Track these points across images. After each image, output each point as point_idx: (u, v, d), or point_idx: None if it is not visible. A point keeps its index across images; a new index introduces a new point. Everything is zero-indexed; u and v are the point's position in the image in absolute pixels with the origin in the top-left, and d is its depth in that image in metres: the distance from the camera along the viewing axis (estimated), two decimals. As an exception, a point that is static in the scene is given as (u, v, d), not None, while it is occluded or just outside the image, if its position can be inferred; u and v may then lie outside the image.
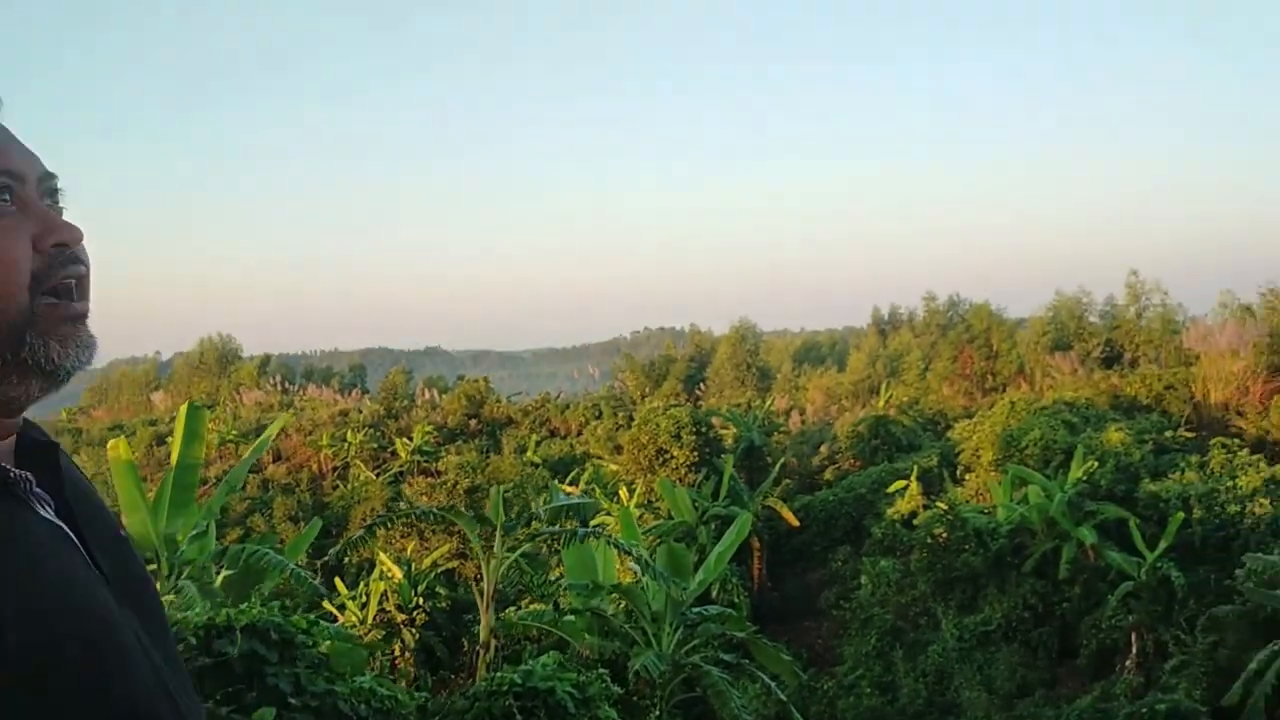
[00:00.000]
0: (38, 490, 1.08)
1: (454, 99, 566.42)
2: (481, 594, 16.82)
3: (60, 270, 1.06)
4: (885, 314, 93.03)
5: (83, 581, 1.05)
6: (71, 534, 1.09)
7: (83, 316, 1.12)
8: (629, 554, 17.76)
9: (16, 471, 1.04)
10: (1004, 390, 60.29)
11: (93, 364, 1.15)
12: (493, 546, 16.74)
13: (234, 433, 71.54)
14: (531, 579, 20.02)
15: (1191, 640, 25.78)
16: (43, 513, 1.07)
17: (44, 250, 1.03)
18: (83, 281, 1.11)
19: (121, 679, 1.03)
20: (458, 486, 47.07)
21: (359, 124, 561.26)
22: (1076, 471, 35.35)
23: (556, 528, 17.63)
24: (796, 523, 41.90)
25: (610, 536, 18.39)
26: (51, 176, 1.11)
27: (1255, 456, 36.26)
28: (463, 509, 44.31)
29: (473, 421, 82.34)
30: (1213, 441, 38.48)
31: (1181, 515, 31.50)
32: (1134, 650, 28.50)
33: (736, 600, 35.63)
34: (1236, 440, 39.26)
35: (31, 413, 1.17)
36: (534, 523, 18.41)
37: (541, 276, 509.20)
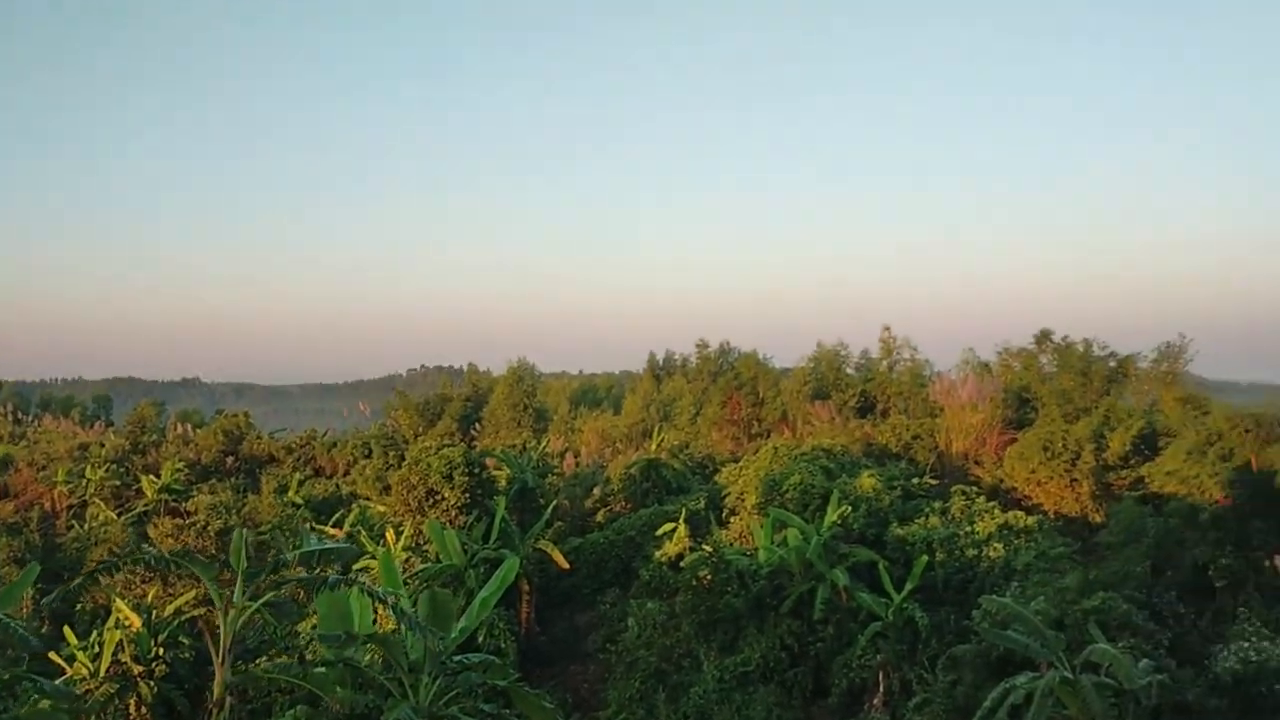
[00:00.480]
0: None
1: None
2: (218, 646, 15.56)
3: None
4: (660, 359, 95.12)
5: None
6: None
7: None
8: (384, 602, 16.95)
9: None
10: (768, 436, 62.64)
11: None
12: (232, 595, 15.55)
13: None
14: (274, 630, 18.76)
15: (933, 678, 27.23)
16: None
17: None
18: None
19: None
20: (209, 528, 44.03)
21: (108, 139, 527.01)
22: (832, 515, 36.96)
23: (306, 575, 16.60)
24: (567, 565, 41.69)
25: (365, 584, 17.50)
26: None
27: (990, 504, 39.04)
28: (214, 552, 41.68)
29: (230, 459, 78.02)
30: (954, 489, 41.20)
31: (925, 559, 33.46)
32: (881, 689, 29.83)
33: (503, 645, 34.97)
34: (975, 488, 42.20)
35: None
36: (283, 569, 17.28)
37: (315, 309, 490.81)
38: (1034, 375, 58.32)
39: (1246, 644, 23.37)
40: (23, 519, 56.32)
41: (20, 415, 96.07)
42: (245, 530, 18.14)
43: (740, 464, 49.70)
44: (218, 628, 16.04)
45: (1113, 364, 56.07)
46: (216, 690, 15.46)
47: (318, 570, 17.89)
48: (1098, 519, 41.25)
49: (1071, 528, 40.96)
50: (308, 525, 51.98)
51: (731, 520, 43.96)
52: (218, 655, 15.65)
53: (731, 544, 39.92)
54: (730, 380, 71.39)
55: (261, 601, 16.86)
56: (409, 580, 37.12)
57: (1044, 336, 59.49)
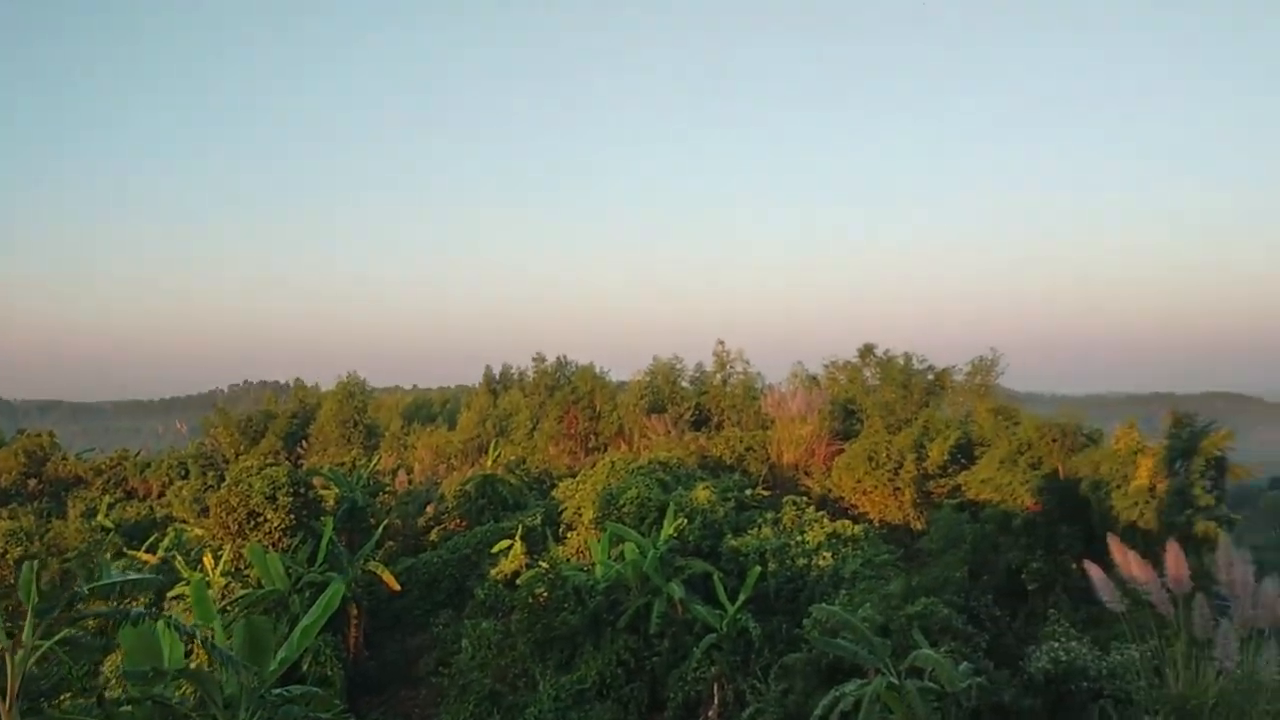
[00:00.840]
0: None
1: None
2: (4, 690, 14.18)
3: None
4: (496, 373, 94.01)
5: None
6: None
7: None
8: (192, 636, 15.85)
9: None
10: (606, 450, 62.69)
11: None
12: (19, 634, 14.23)
13: None
14: (70, 670, 17.28)
15: (765, 688, 27.60)
16: None
17: None
18: None
19: None
20: (7, 556, 40.78)
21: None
22: (668, 528, 37.17)
23: (104, 609, 15.36)
24: (398, 587, 40.49)
25: (171, 616, 16.33)
26: None
27: (820, 513, 40.09)
28: (12, 583, 38.48)
29: (32, 481, 72.92)
30: (785, 499, 42.13)
31: (758, 569, 34.00)
32: (715, 700, 30.07)
33: (330, 673, 33.64)
34: (805, 498, 43.27)
35: None
36: (82, 603, 15.96)
37: (129, 322, 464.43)
38: (859, 388, 60.40)
39: (1056, 644, 24.58)
40: None
41: None
42: (36, 562, 16.64)
43: (577, 478, 49.50)
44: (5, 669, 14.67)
45: (930, 377, 58.62)
46: (1, 740, 14.09)
47: (125, 601, 16.63)
48: (919, 526, 42.92)
49: (895, 535, 42.49)
50: (112, 552, 48.96)
51: (569, 536, 43.68)
52: (4, 700, 14.27)
53: (568, 560, 39.64)
54: (567, 394, 71.16)
55: (55, 639, 15.47)
56: (228, 608, 35.26)
57: (867, 350, 61.72)
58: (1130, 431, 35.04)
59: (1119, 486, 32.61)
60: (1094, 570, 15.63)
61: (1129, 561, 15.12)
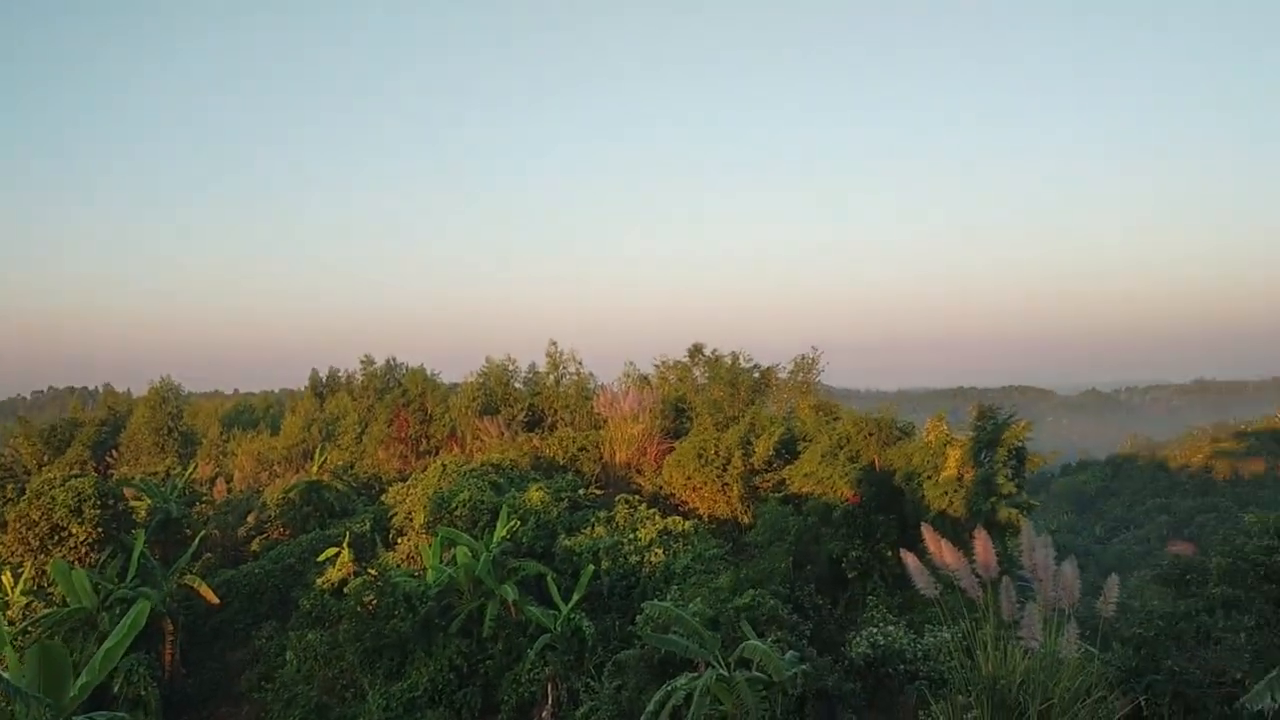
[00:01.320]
0: None
1: None
2: None
3: None
4: (324, 376, 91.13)
5: None
6: None
7: None
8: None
9: None
10: (438, 453, 61.71)
11: None
12: None
13: None
14: None
15: (599, 686, 27.81)
16: None
17: None
18: None
19: None
20: None
21: None
22: (501, 530, 36.95)
23: None
24: (217, 600, 38.81)
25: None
26: None
27: (651, 511, 40.62)
28: None
29: None
30: (618, 498, 42.50)
31: (592, 568, 34.20)
32: (549, 700, 30.10)
33: (144, 693, 32.00)
34: (637, 496, 43.76)
35: None
36: None
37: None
38: (689, 387, 61.48)
39: (875, 629, 25.75)
40: None
41: None
42: None
43: (408, 483, 48.58)
44: None
45: (756, 375, 60.23)
46: None
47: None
48: (747, 520, 44.02)
49: (724, 530, 43.45)
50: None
51: (399, 541, 42.80)
52: None
53: (399, 566, 38.86)
54: (398, 397, 69.62)
55: None
56: (29, 629, 33.06)
57: (696, 350, 62.92)
58: (939, 424, 36.94)
59: (930, 477, 34.34)
60: (909, 558, 16.40)
61: (941, 548, 15.91)
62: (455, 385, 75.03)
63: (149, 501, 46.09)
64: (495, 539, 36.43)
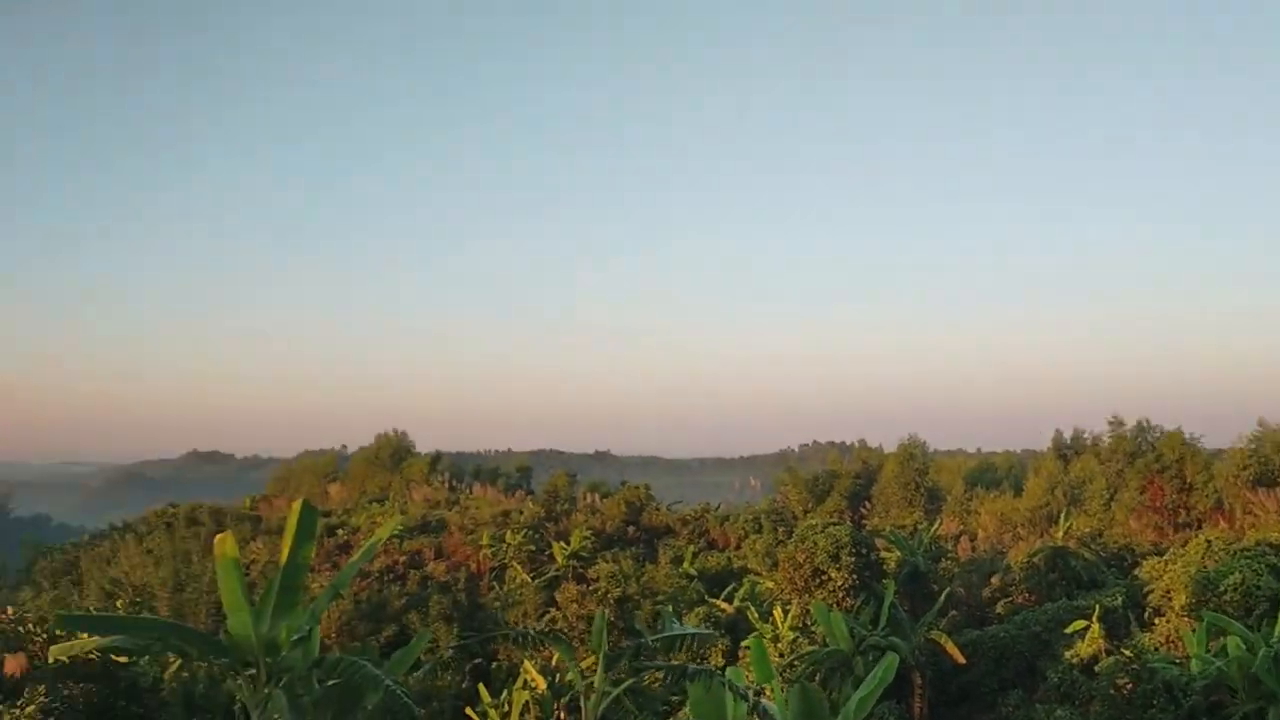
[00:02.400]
0: None
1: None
2: (588, 726, 15.69)
3: None
4: (1067, 437, 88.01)
5: None
6: None
7: None
8: (743, 699, 16.27)
9: None
10: (1199, 527, 55.49)
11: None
12: (593, 680, 15.63)
13: (400, 527, 72.93)
14: (636, 718, 18.62)
15: None
16: None
17: None
18: None
19: None
20: (608, 596, 46.20)
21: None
22: (1288, 624, 31.64)
23: (664, 663, 16.34)
24: (963, 659, 39.04)
25: (721, 676, 16.83)
26: None
27: None
28: (612, 619, 43.47)
29: (631, 528, 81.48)
30: None
31: None
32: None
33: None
34: None
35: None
36: (648, 654, 17.16)
37: (714, 387, 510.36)
38: None
39: None
40: (452, 578, 62.32)
41: (455, 483, 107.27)
42: (605, 610, 18.38)
43: (1165, 558, 44.23)
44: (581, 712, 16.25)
45: None
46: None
47: (700, 651, 17.70)
48: None
49: None
50: (695, 598, 52.94)
51: (1156, 622, 39.05)
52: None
53: (1156, 649, 35.39)
54: (1151, 462, 64.30)
55: (623, 687, 16.78)
56: (794, 663, 36.47)
57: None
58: None
59: None
60: None
61: None
62: (1219, 451, 67.14)
63: (898, 554, 48.38)
64: (1277, 633, 31.25)
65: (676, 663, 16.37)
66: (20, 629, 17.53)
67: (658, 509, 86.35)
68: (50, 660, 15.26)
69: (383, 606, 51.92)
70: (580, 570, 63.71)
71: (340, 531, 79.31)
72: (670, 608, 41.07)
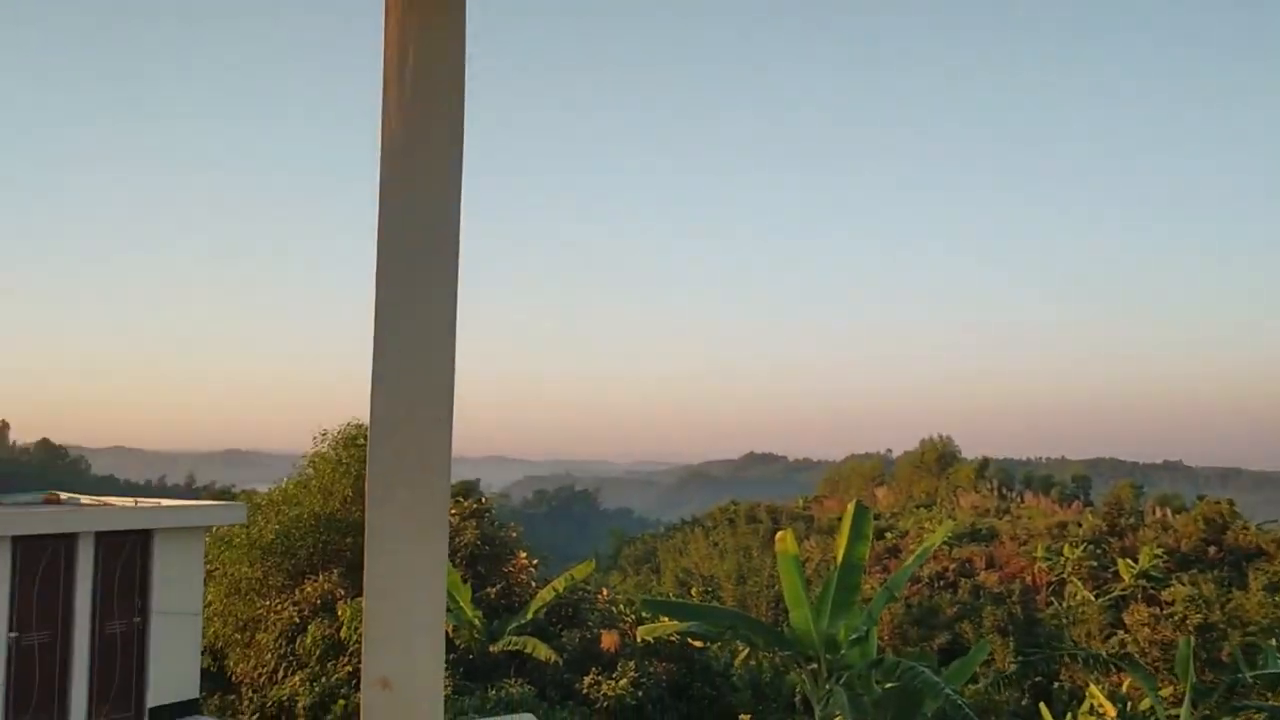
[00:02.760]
0: None
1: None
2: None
3: None
4: None
5: None
6: None
7: None
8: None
9: None
10: None
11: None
12: (1177, 713, 13.86)
13: (950, 534, 71.74)
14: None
15: None
16: None
17: None
18: None
19: None
20: (1186, 622, 41.54)
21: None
22: None
23: (1265, 703, 14.03)
24: None
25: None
26: None
27: None
28: (1193, 650, 39.01)
29: (1211, 549, 72.73)
30: None
31: None
32: None
33: None
34: None
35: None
36: (1246, 690, 14.89)
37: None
38: None
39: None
40: (1006, 590, 59.96)
41: (1004, 491, 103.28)
42: (1193, 638, 16.24)
43: None
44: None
45: None
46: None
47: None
48: None
49: None
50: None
51: None
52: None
53: None
54: None
55: None
56: None
57: None
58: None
59: None
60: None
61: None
62: None
63: None
64: None
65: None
66: (613, 609, 19.83)
67: (1245, 528, 76.05)
68: (638, 640, 17.05)
69: (934, 613, 51.45)
70: (1151, 591, 57.90)
71: (889, 535, 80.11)
72: (1274, 641, 35.68)
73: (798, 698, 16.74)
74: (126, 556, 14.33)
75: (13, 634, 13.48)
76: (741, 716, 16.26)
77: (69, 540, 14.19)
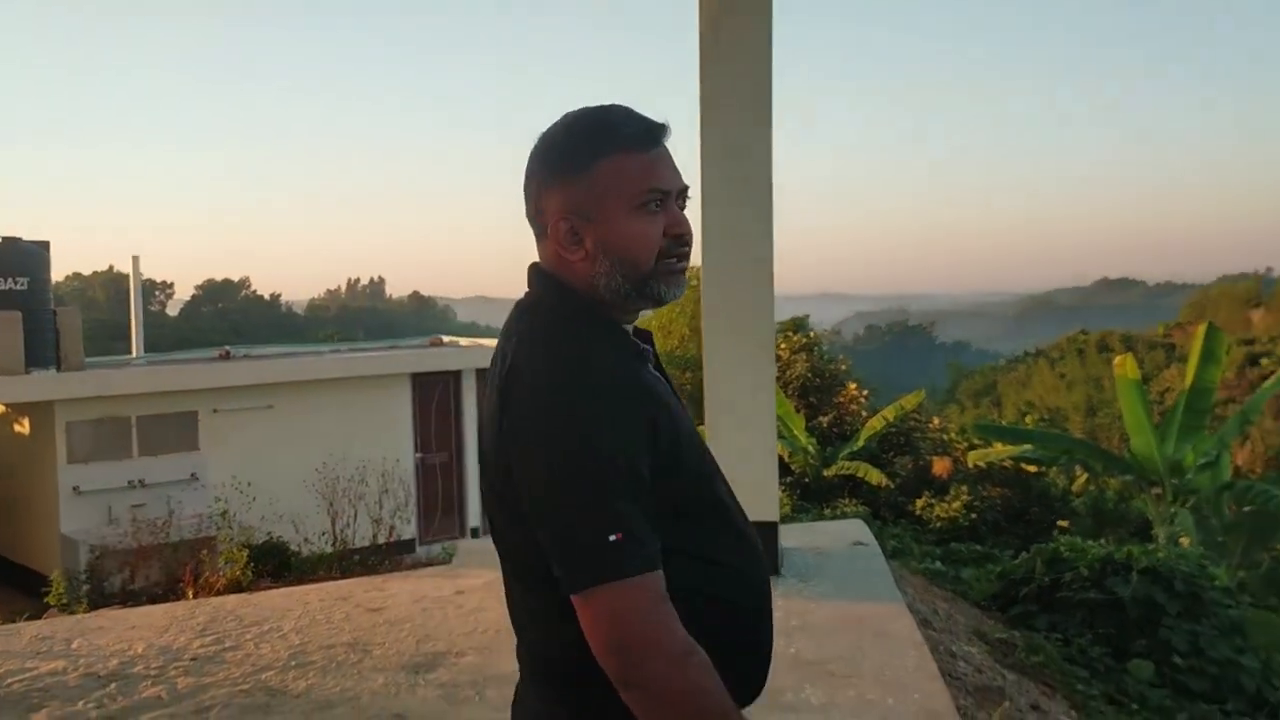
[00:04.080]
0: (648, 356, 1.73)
1: None
2: None
3: (674, 249, 1.65)
4: None
5: (683, 412, 1.65)
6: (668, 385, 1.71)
7: (682, 272, 1.68)
8: None
9: (641, 345, 1.68)
10: None
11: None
12: None
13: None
14: None
15: None
16: (654, 371, 1.68)
17: (669, 235, 1.63)
18: (685, 256, 1.69)
19: (714, 479, 1.59)
20: None
21: None
22: None
23: None
24: None
25: None
26: (686, 189, 1.69)
27: None
28: None
29: None
30: None
31: None
32: None
33: None
34: None
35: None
36: None
37: None
38: None
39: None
40: None
41: None
42: None
43: None
44: None
45: None
46: None
47: None
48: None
49: None
50: None
51: None
52: None
53: None
54: None
55: None
56: None
57: None
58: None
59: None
60: None
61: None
62: None
63: None
64: None
65: None
66: (944, 437, 20.07)
67: None
68: (970, 465, 17.29)
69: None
70: None
71: (1265, 360, 72.79)
72: None
73: (1141, 521, 16.36)
74: (502, 389, 16.62)
75: (419, 455, 16.17)
76: (1059, 523, 16.20)
77: (455, 376, 16.65)
